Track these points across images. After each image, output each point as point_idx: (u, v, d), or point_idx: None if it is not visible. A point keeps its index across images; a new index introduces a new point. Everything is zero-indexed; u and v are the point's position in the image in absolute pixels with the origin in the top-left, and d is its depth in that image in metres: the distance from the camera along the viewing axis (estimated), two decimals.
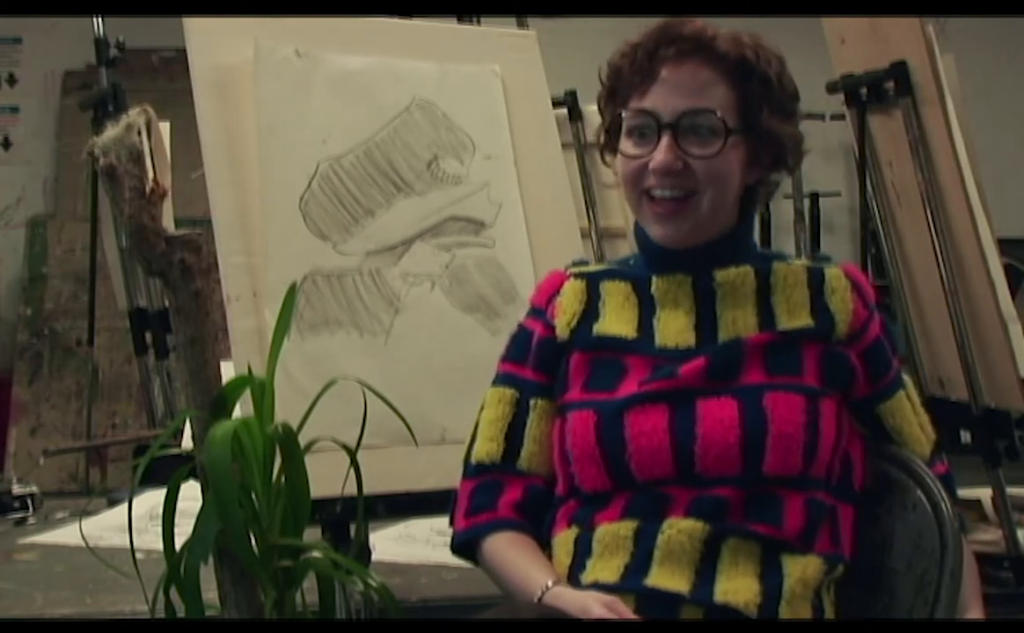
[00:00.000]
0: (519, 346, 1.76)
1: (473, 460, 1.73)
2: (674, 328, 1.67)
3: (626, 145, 1.67)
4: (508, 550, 1.66)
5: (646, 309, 1.70)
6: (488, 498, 1.70)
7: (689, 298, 1.68)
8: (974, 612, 1.66)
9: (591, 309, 1.72)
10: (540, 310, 1.76)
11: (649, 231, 1.68)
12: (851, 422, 1.69)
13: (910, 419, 1.73)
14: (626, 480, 1.61)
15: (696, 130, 1.63)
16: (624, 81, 1.68)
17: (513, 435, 1.71)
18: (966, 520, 1.78)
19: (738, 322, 1.66)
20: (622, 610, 1.49)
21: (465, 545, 1.71)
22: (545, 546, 1.68)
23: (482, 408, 1.76)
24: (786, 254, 1.76)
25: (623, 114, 1.67)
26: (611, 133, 1.71)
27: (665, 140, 1.62)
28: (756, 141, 1.67)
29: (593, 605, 1.49)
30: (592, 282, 1.74)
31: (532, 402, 1.72)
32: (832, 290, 1.68)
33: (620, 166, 1.69)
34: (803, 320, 1.66)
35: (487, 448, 1.72)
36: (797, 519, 1.59)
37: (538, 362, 1.73)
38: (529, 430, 1.71)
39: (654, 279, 1.69)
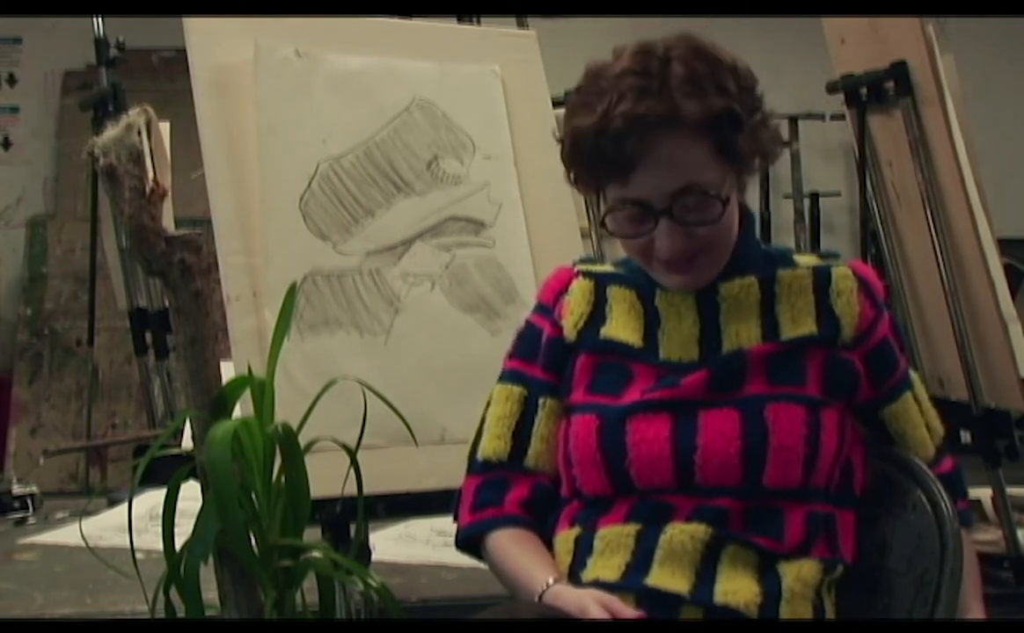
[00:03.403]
0: (527, 343, 1.75)
1: (480, 457, 1.72)
2: (677, 341, 1.66)
3: (619, 223, 1.62)
4: (512, 547, 1.66)
5: (651, 319, 1.69)
6: (494, 494, 1.70)
7: (693, 311, 1.67)
8: (975, 612, 1.66)
9: (598, 312, 1.71)
10: (547, 307, 1.75)
11: (664, 284, 1.65)
12: (853, 426, 1.68)
13: (915, 422, 1.72)
14: (626, 486, 1.61)
15: (693, 207, 1.58)
16: (591, 165, 1.61)
17: (520, 434, 1.71)
18: (973, 516, 1.77)
19: (741, 334, 1.65)
20: (619, 608, 1.49)
21: (469, 541, 1.71)
22: (550, 544, 1.67)
23: (488, 404, 1.75)
24: (791, 253, 1.73)
25: (606, 197, 1.62)
26: (584, 183, 1.66)
27: (664, 226, 1.58)
28: (742, 164, 1.63)
29: (591, 605, 1.49)
30: (600, 283, 1.73)
31: (541, 401, 1.71)
32: (838, 293, 1.66)
33: (625, 244, 1.65)
34: (807, 327, 1.65)
35: (494, 446, 1.71)
36: (797, 532, 1.59)
37: (547, 362, 1.72)
38: (537, 429, 1.70)
39: (658, 292, 1.69)
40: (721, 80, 1.59)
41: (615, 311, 1.71)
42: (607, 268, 1.77)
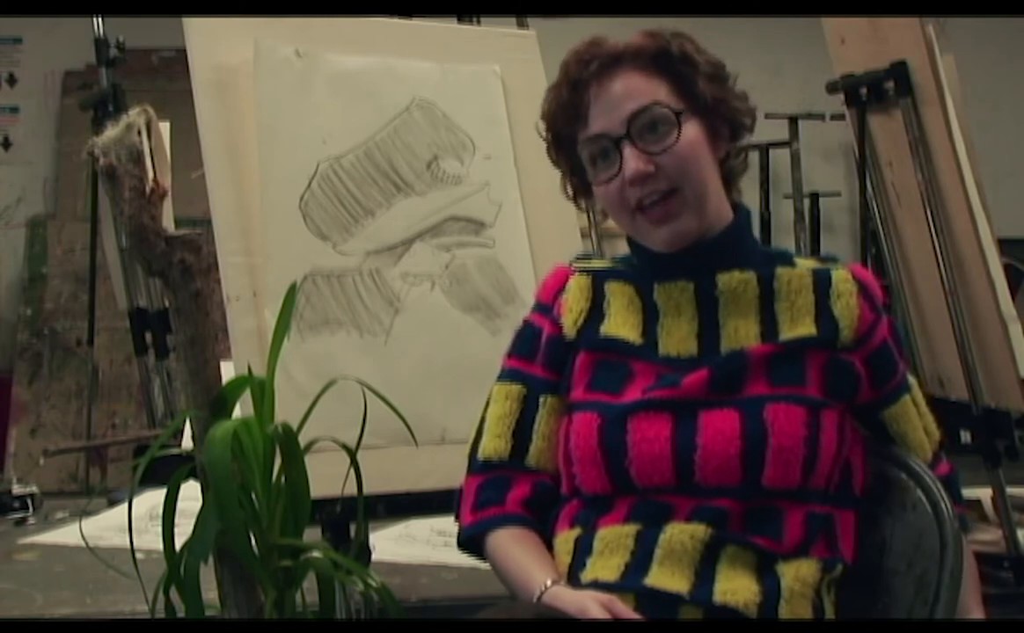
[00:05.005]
0: (526, 342, 1.75)
1: (480, 456, 1.72)
2: (677, 336, 1.67)
3: (596, 175, 1.68)
4: (512, 547, 1.66)
5: (649, 315, 1.69)
6: (496, 493, 1.70)
7: (691, 305, 1.68)
8: (975, 614, 1.66)
9: (596, 308, 1.72)
10: (546, 306, 1.75)
11: (653, 240, 1.67)
12: (853, 427, 1.68)
13: (914, 424, 1.72)
14: (626, 485, 1.61)
15: (650, 128, 1.63)
16: (562, 124, 1.70)
17: (521, 432, 1.71)
18: (968, 520, 1.77)
19: (740, 331, 1.65)
20: (619, 609, 1.49)
21: (471, 540, 1.71)
22: (551, 543, 1.67)
23: (488, 404, 1.75)
24: (791, 254, 1.74)
25: (579, 148, 1.68)
26: (576, 176, 1.74)
27: (628, 151, 1.63)
28: (707, 115, 1.67)
29: (590, 605, 1.49)
30: (597, 279, 1.74)
31: (542, 399, 1.71)
32: (838, 295, 1.67)
33: (601, 196, 1.69)
34: (806, 328, 1.65)
35: (495, 445, 1.71)
36: (796, 533, 1.59)
37: (548, 360, 1.72)
38: (538, 427, 1.70)
39: (656, 286, 1.69)
40: (679, 37, 1.68)
41: (614, 306, 1.71)
42: (605, 263, 1.78)
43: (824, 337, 1.65)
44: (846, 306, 1.66)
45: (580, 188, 1.76)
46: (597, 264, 1.77)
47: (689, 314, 1.67)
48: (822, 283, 1.68)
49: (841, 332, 1.65)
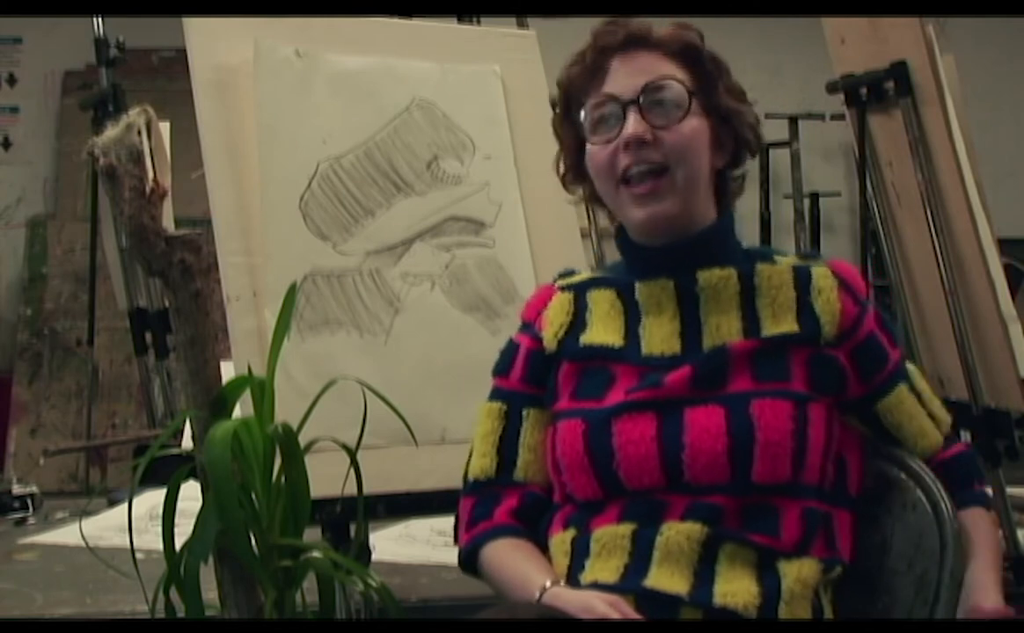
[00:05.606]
0: (505, 360, 1.78)
1: (470, 477, 1.74)
2: (659, 335, 1.67)
3: (594, 137, 1.69)
4: (506, 556, 1.66)
5: (631, 316, 1.70)
6: (485, 510, 1.71)
7: (673, 303, 1.68)
8: (990, 589, 1.60)
9: (578, 320, 1.73)
10: (529, 324, 1.77)
11: (631, 218, 1.67)
12: (846, 425, 1.68)
13: (911, 413, 1.72)
14: (616, 488, 1.62)
15: (660, 104, 1.65)
16: (577, 88, 1.71)
17: (505, 448, 1.72)
18: (990, 496, 1.76)
19: (722, 328, 1.66)
20: (625, 609, 1.49)
21: (469, 560, 1.72)
22: (544, 550, 1.68)
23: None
24: (772, 251, 1.75)
25: (583, 112, 1.69)
26: (573, 156, 1.73)
27: (632, 115, 1.64)
28: (718, 121, 1.68)
29: (596, 602, 1.49)
30: (579, 293, 1.75)
31: (524, 412, 1.72)
32: (818, 291, 1.67)
33: (592, 161, 1.70)
34: (788, 325, 1.65)
35: (481, 464, 1.73)
36: (794, 529, 1.58)
37: (527, 374, 1.74)
38: (523, 439, 1.71)
39: (637, 285, 1.70)
40: (705, 45, 1.70)
41: (595, 314, 1.72)
42: (586, 276, 1.79)
43: (806, 334, 1.65)
44: (827, 302, 1.67)
45: (573, 169, 1.75)
46: (579, 278, 1.78)
47: (670, 312, 1.67)
48: (802, 279, 1.68)
49: (823, 328, 1.66)
